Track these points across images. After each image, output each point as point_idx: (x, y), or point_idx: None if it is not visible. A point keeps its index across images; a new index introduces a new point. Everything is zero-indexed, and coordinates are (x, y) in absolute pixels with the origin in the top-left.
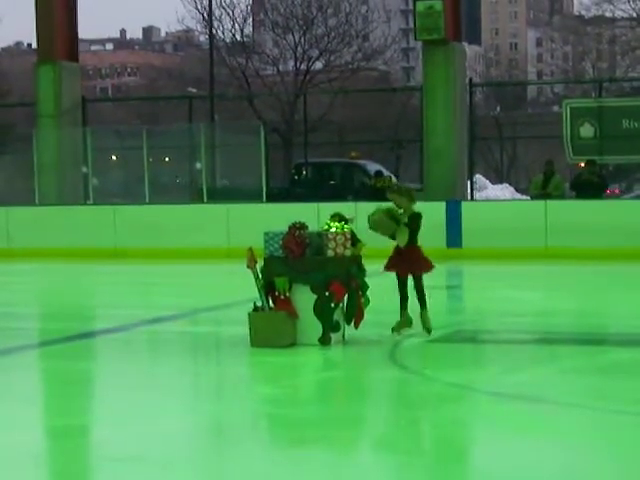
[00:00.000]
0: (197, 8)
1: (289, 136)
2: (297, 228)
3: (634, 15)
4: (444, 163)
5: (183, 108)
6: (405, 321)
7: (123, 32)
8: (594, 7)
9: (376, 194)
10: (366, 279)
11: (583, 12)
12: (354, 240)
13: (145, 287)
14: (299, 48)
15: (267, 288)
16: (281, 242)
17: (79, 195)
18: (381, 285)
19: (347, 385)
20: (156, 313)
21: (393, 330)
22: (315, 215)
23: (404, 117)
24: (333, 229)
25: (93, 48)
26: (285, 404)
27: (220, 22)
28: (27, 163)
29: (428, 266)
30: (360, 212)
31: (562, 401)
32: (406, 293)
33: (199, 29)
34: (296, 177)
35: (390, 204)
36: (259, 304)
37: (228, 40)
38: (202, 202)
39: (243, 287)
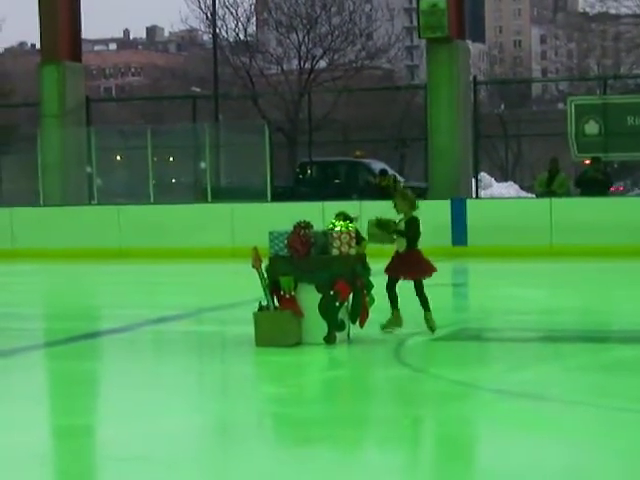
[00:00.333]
0: (200, 8)
1: (293, 135)
2: (302, 227)
3: (638, 12)
4: (449, 161)
5: (187, 108)
6: (396, 320)
7: (126, 32)
8: (598, 4)
9: (381, 193)
10: (371, 278)
11: (587, 9)
12: (359, 239)
13: (150, 287)
14: (303, 47)
15: (272, 287)
16: (286, 241)
17: (83, 195)
18: (386, 284)
19: (352, 384)
20: (161, 313)
21: (382, 327)
22: (320, 214)
23: (408, 115)
24: (338, 228)
25: (97, 48)
26: (290, 403)
27: (224, 21)
28: (31, 163)
29: (427, 270)
30: (365, 211)
31: (566, 399)
32: (394, 294)
33: (203, 29)
34: (301, 176)
35: (378, 215)
36: (264, 303)
37: (232, 39)
38: (206, 202)
39: (248, 286)
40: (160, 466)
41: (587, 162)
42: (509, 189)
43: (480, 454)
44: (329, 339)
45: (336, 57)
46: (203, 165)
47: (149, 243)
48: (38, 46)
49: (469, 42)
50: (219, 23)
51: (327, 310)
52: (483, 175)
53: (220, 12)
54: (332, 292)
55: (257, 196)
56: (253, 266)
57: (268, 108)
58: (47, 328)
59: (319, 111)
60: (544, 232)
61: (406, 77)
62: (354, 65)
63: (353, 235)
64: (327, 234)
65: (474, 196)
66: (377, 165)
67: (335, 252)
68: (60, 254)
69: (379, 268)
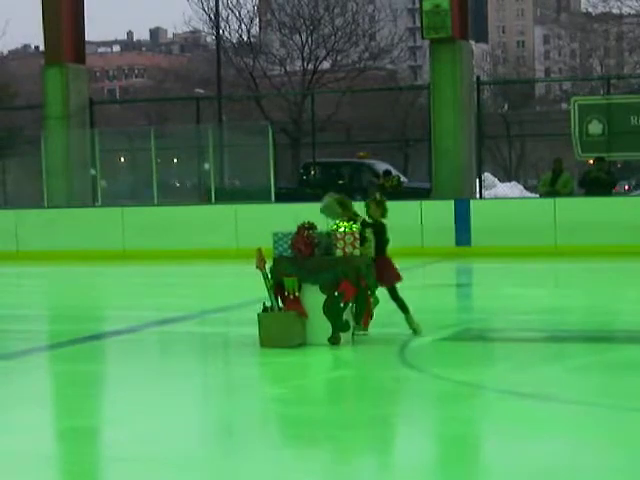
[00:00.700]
0: (204, 9)
1: (297, 136)
2: (306, 228)
3: None
4: (452, 161)
5: (191, 109)
6: (411, 323)
7: (130, 34)
8: (601, 4)
9: (385, 193)
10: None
11: (590, 9)
12: (363, 240)
13: (154, 288)
14: (306, 48)
15: (276, 288)
16: (290, 242)
17: (87, 197)
18: None
19: (356, 384)
20: (165, 314)
21: (415, 332)
22: (324, 215)
23: (411, 116)
24: (342, 229)
25: (100, 50)
26: (294, 404)
27: (227, 23)
28: (35, 166)
29: (397, 277)
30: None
31: (571, 399)
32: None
33: (206, 30)
34: (304, 177)
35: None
36: (268, 304)
37: (235, 41)
38: (210, 203)
39: (252, 287)
40: (164, 467)
41: (591, 162)
42: (513, 189)
43: (484, 454)
44: (333, 340)
45: (339, 58)
46: (207, 166)
47: (153, 244)
48: (42, 48)
49: (472, 42)
50: (222, 24)
51: (331, 311)
52: (487, 175)
53: (223, 13)
54: (336, 293)
55: (261, 197)
56: (257, 267)
57: (271, 109)
58: (51, 330)
59: (322, 112)
60: (548, 232)
61: (409, 78)
62: (357, 66)
63: (357, 236)
64: (331, 235)
65: (478, 196)
66: (381, 166)
67: (339, 253)
68: (64, 256)
69: None
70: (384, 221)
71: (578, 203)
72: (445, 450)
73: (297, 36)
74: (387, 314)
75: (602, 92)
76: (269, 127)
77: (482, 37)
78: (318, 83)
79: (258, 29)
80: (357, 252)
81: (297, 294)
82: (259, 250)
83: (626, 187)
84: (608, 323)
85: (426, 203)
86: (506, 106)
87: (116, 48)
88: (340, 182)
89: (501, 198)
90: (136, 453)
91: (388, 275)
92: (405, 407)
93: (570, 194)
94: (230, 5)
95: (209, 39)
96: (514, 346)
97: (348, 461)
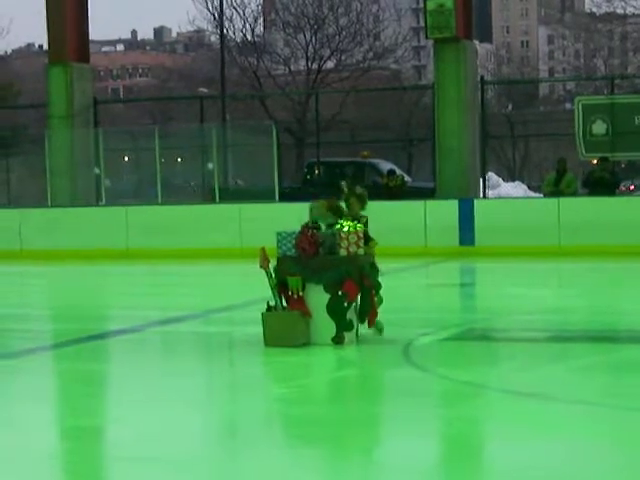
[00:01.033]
0: (208, 8)
1: (301, 136)
2: (310, 228)
3: None
4: (456, 161)
5: (195, 108)
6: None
7: (134, 33)
8: (605, 4)
9: (389, 193)
10: (379, 278)
11: (594, 9)
12: (367, 239)
13: (158, 288)
14: (310, 47)
15: (280, 287)
16: (294, 242)
17: (91, 196)
18: (394, 284)
19: (360, 384)
20: (169, 313)
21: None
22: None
23: (416, 116)
24: (346, 228)
25: (104, 49)
26: (298, 403)
27: (231, 22)
28: (39, 165)
29: None
30: (373, 211)
31: (574, 399)
32: None
33: (210, 29)
34: (308, 176)
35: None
36: (272, 304)
37: (239, 40)
38: (214, 202)
39: (256, 287)
40: (168, 466)
41: (594, 162)
42: (517, 189)
43: (488, 454)
44: (337, 339)
45: (343, 57)
46: (211, 166)
47: (157, 244)
48: (46, 47)
49: (476, 42)
50: (226, 24)
51: (335, 310)
52: (491, 175)
53: (228, 13)
54: (340, 292)
55: (265, 196)
56: (261, 266)
57: (275, 109)
58: (55, 329)
59: (327, 112)
60: (552, 232)
61: (413, 77)
62: (361, 65)
63: (361, 235)
64: (335, 234)
65: (482, 196)
66: (385, 165)
67: (343, 252)
68: (68, 255)
69: (387, 268)
70: (363, 213)
71: (582, 203)
72: (449, 450)
73: (301, 35)
74: (391, 313)
75: (606, 92)
76: (273, 127)
77: (486, 37)
78: (322, 83)
79: (262, 28)
80: (361, 251)
81: (301, 293)
82: (263, 249)
83: (631, 187)
84: (612, 323)
85: (430, 203)
86: (510, 106)
87: (120, 47)
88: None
89: (505, 198)
90: (139, 452)
91: None
92: (409, 407)
93: (574, 194)
94: (234, 4)
95: (213, 38)
96: (518, 346)
97: (351, 460)
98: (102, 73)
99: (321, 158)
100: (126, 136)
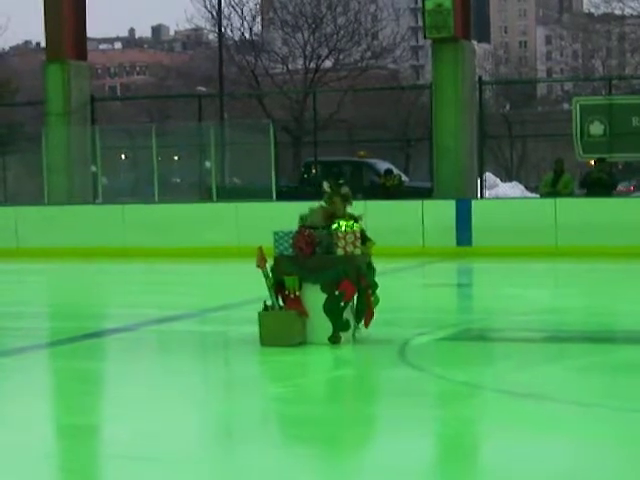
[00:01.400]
0: (206, 6)
1: (298, 134)
2: (307, 227)
3: None
4: (454, 161)
5: (192, 107)
6: None
7: (132, 31)
8: (603, 4)
9: (386, 193)
10: (376, 278)
11: (592, 10)
12: (364, 239)
13: (154, 286)
14: (308, 46)
15: (277, 287)
16: (291, 241)
17: (88, 194)
18: (391, 284)
19: (357, 384)
20: (165, 312)
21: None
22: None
23: (413, 115)
24: (343, 228)
25: (102, 47)
26: (295, 403)
27: (229, 20)
28: (36, 162)
29: None
30: (370, 211)
31: (571, 399)
32: None
33: (208, 27)
34: (306, 175)
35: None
36: (269, 303)
37: (237, 38)
38: (211, 201)
39: (253, 286)
40: (163, 465)
41: (592, 163)
42: (514, 189)
43: (484, 454)
44: (334, 339)
45: (341, 57)
46: (208, 164)
47: (154, 242)
48: (43, 44)
49: (474, 42)
50: (224, 22)
51: (332, 310)
52: (488, 175)
53: (226, 11)
54: (337, 292)
55: (262, 195)
56: (258, 266)
57: (273, 107)
58: (51, 327)
59: (324, 111)
60: (549, 232)
61: (411, 77)
62: (359, 65)
63: (358, 235)
64: (332, 234)
65: (479, 196)
66: (382, 165)
67: (340, 252)
68: (64, 253)
69: (384, 268)
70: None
71: (579, 204)
72: (444, 450)
73: (299, 34)
74: (388, 313)
75: (604, 93)
76: (271, 125)
77: (484, 37)
78: (320, 82)
79: (260, 27)
80: (358, 251)
81: (298, 293)
82: (260, 249)
83: (632, 187)
84: (608, 324)
85: (427, 203)
86: (508, 106)
87: (118, 45)
88: (341, 181)
89: (502, 198)
90: (135, 451)
91: None
92: (405, 406)
93: (571, 195)
94: (232, 3)
95: (211, 37)
96: (514, 346)
97: (347, 460)
98: (100, 71)
99: (318, 157)
100: (123, 134)
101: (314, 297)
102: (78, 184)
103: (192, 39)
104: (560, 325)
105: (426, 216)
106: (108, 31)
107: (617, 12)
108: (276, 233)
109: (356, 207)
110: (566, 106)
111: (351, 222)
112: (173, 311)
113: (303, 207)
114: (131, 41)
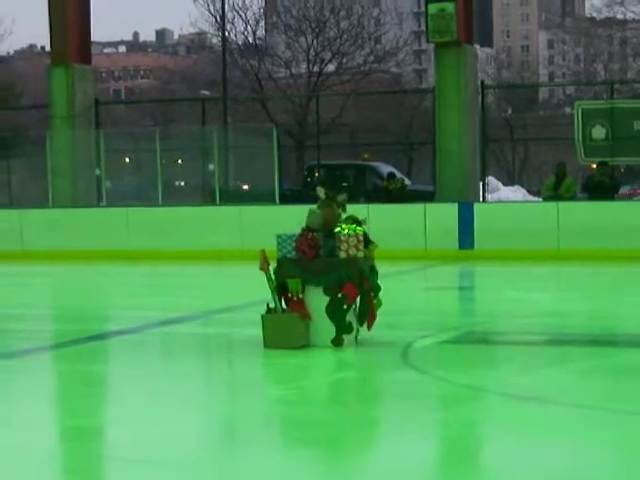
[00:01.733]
0: (210, 11)
1: (302, 138)
2: (310, 230)
3: None
4: (456, 165)
5: (196, 110)
6: None
7: (136, 35)
8: (605, 9)
9: (389, 196)
10: (378, 281)
11: (594, 14)
12: (367, 242)
13: (158, 289)
14: (311, 50)
15: (280, 290)
16: (294, 244)
17: (92, 197)
18: (393, 287)
19: (359, 386)
20: (169, 314)
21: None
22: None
23: (416, 119)
24: (346, 231)
25: (106, 51)
26: (298, 405)
27: (233, 25)
28: (40, 165)
29: None
30: (373, 214)
31: (573, 402)
32: None
33: (212, 32)
34: (309, 179)
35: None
36: (272, 305)
37: (241, 42)
38: (215, 204)
39: (256, 289)
40: (166, 467)
41: (594, 166)
42: (516, 193)
43: (487, 457)
44: (337, 341)
45: (344, 61)
46: (211, 167)
47: (157, 245)
48: (48, 48)
49: (477, 46)
50: (228, 26)
51: (335, 313)
52: (490, 179)
53: (229, 15)
54: (340, 295)
55: (265, 199)
56: (261, 268)
57: (276, 111)
58: (55, 329)
59: (327, 114)
60: (551, 236)
61: (414, 81)
62: (362, 69)
63: (361, 238)
64: (335, 237)
65: (481, 200)
66: (385, 168)
67: (343, 255)
68: (69, 256)
69: (387, 271)
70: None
71: (581, 207)
72: (447, 452)
73: (303, 38)
74: (390, 316)
75: (605, 97)
76: (274, 129)
77: (487, 41)
78: (323, 86)
79: (264, 31)
80: (360, 254)
81: (301, 296)
82: (263, 251)
83: (637, 190)
84: (611, 327)
85: (430, 206)
86: (510, 110)
87: (122, 49)
88: (344, 185)
89: (504, 202)
90: (138, 453)
91: None
92: (407, 409)
93: (573, 198)
94: (236, 7)
95: (215, 41)
96: (516, 349)
97: (350, 462)
98: (104, 74)
99: (321, 161)
100: (127, 137)
101: (317, 300)
102: (82, 187)
103: (196, 43)
104: (563, 328)
105: (429, 219)
106: (112, 35)
107: (619, 16)
108: (279, 236)
109: (359, 210)
110: (568, 110)
111: (354, 225)
112: (176, 313)
113: (306, 210)
114: (135, 45)
